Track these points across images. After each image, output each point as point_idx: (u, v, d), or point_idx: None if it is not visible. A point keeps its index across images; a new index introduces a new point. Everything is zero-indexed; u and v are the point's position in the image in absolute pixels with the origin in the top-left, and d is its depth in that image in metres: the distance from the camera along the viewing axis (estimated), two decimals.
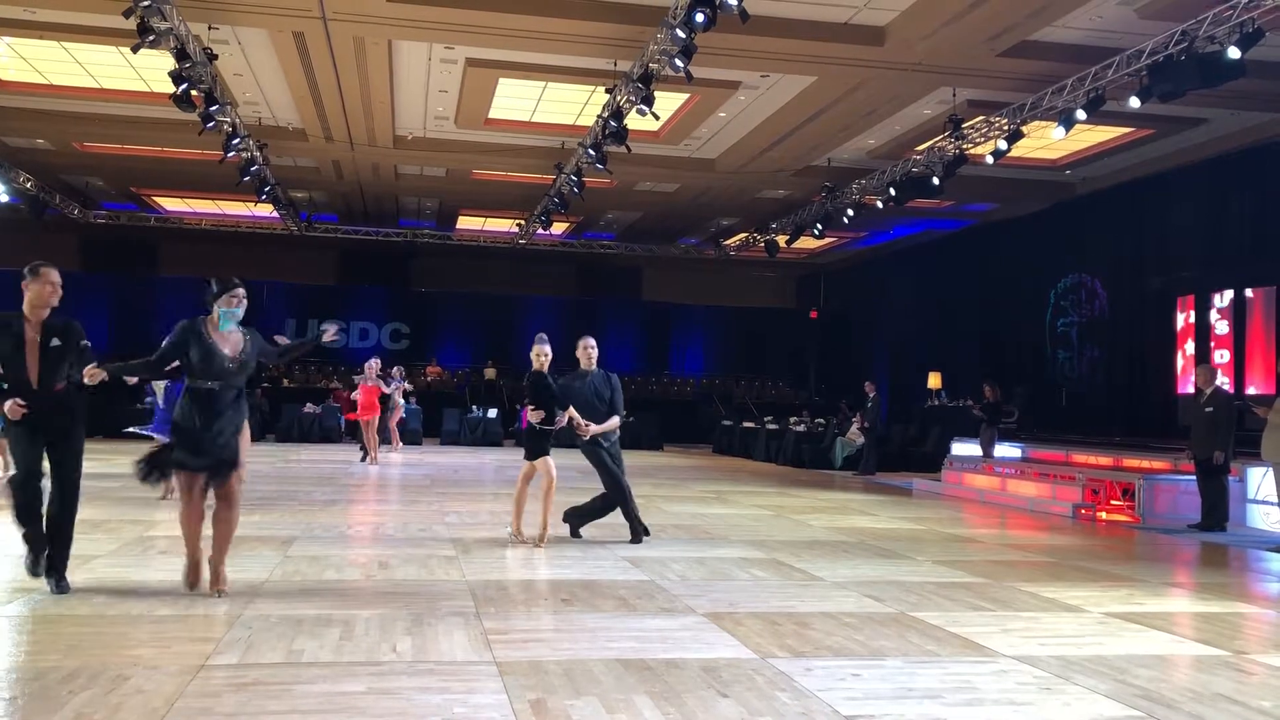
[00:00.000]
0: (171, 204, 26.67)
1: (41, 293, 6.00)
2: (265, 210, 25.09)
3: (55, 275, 6.08)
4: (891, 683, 4.70)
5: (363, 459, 18.00)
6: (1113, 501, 13.00)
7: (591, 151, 17.15)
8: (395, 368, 21.78)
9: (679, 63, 13.03)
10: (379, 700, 4.15)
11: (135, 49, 12.97)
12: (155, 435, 11.16)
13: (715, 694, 4.40)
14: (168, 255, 29.92)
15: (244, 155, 18.73)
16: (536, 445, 8.48)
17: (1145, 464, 13.47)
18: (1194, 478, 11.93)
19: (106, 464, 14.08)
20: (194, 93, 14.73)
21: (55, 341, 6.01)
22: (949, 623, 6.03)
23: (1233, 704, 4.56)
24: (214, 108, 15.40)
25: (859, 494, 14.98)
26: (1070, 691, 4.66)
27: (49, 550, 6.06)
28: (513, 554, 8.13)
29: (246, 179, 19.70)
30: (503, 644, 5.15)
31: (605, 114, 15.76)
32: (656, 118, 14.90)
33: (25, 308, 6.02)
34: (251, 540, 8.28)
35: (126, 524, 9.02)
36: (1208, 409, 11.64)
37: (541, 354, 8.50)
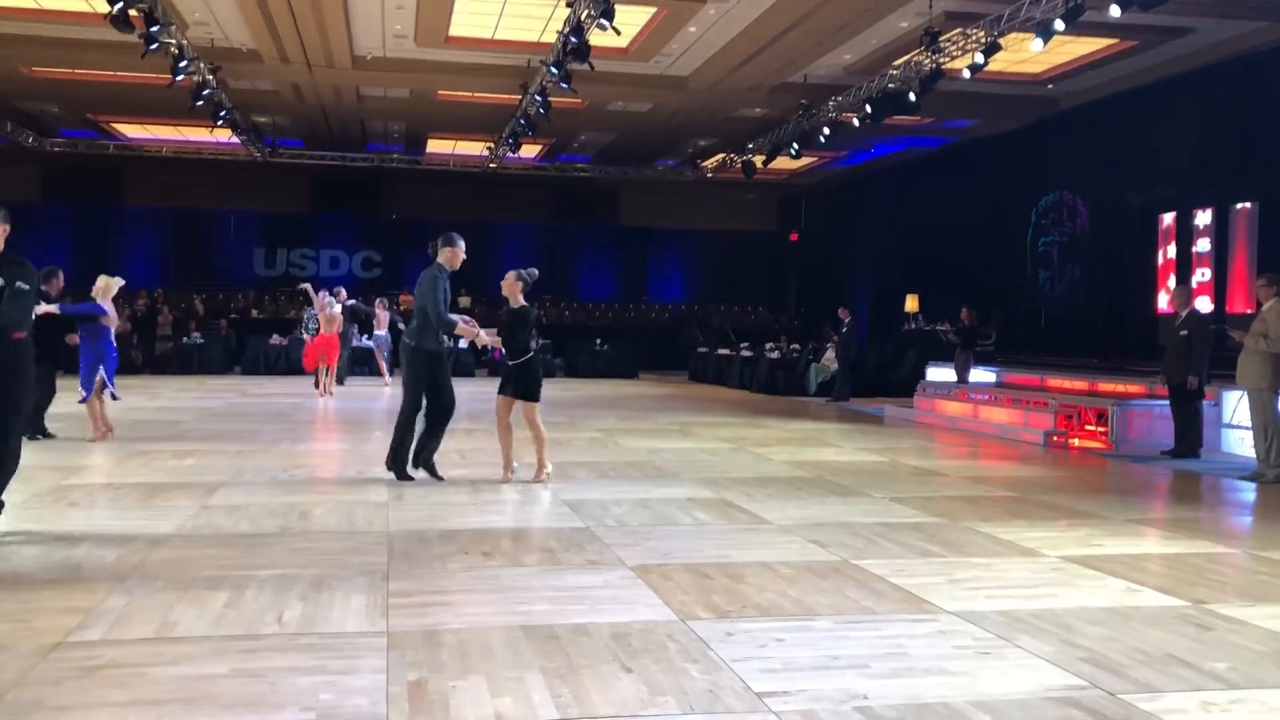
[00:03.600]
0: (132, 130, 25.81)
1: None
2: (230, 136, 24.33)
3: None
4: (816, 649, 4.31)
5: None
6: (1086, 427, 12.66)
7: (554, 70, 16.48)
8: (378, 301, 21.58)
9: None
10: (239, 685, 3.74)
11: None
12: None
13: (618, 668, 4.01)
14: (132, 184, 29.13)
15: (195, 79, 18.01)
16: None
17: (1120, 388, 13.10)
18: (1168, 402, 11.56)
19: None
20: (132, 12, 14.06)
21: None
22: (893, 572, 5.65)
23: (1185, 667, 4.18)
24: (155, 28, 14.69)
25: (828, 423, 14.63)
26: (1010, 657, 4.28)
27: None
28: (447, 498, 7.73)
29: (200, 104, 18.99)
30: (403, 609, 4.75)
31: (565, 29, 15.09)
32: (618, 32, 14.21)
33: None
34: (172, 488, 7.88)
35: (45, 471, 8.59)
36: (1182, 332, 11.22)
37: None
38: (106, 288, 10.58)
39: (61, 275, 10.64)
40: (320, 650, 4.16)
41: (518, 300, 8.46)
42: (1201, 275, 16.65)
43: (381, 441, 10.83)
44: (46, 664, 3.93)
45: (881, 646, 4.37)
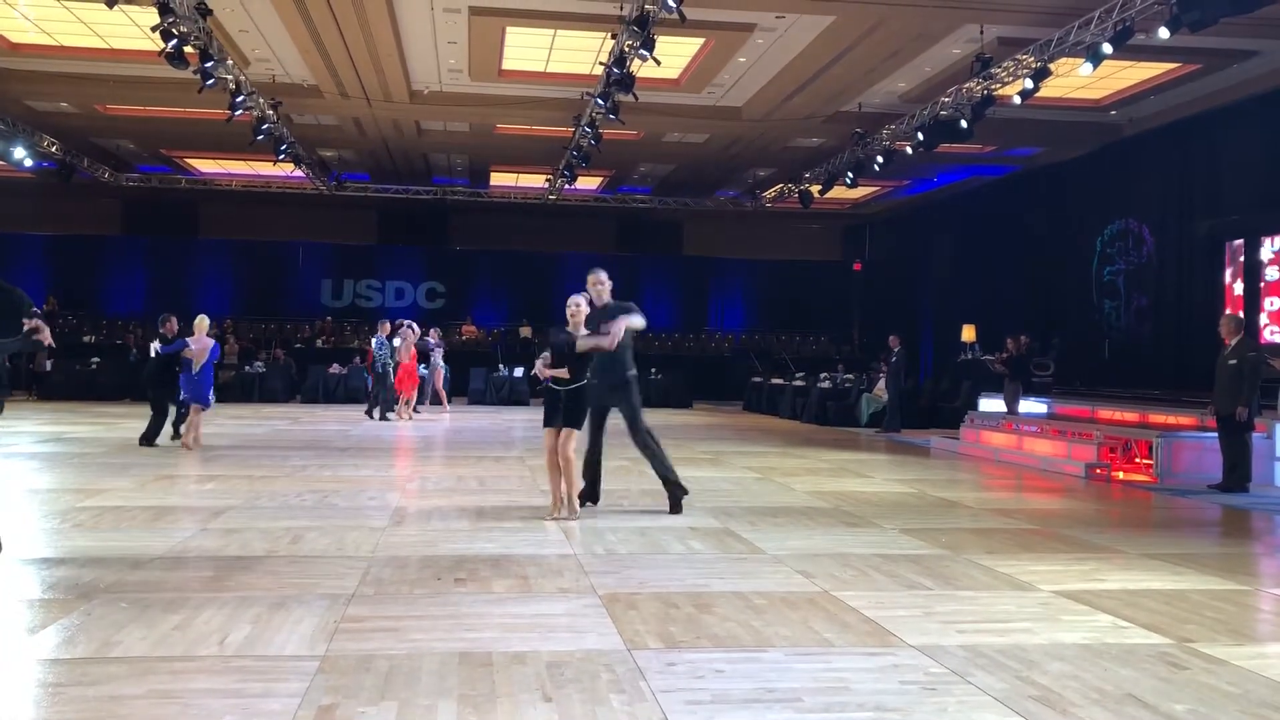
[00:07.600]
0: (205, 165, 26.54)
1: None
2: (292, 169, 24.87)
3: None
4: (754, 681, 4.17)
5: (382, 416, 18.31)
6: (1136, 460, 12.23)
7: (601, 101, 16.57)
8: (432, 330, 21.87)
9: (671, 2, 12.41)
10: (149, 706, 3.73)
11: (111, 3, 12.69)
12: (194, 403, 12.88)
13: (539, 698, 3.92)
14: (206, 217, 29.94)
15: (254, 113, 18.44)
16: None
17: (1170, 420, 12.64)
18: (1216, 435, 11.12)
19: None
20: (187, 49, 14.43)
21: None
22: (870, 604, 5.47)
23: (1141, 707, 3.96)
24: (210, 64, 15.08)
25: (868, 454, 14.33)
26: (956, 693, 4.09)
27: None
28: (447, 525, 7.71)
29: (260, 138, 19.44)
30: (349, 634, 4.71)
31: (609, 61, 15.16)
32: (658, 63, 14.22)
33: None
34: (179, 511, 7.99)
35: (68, 493, 8.77)
36: (1231, 362, 10.79)
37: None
38: (199, 324, 13.11)
39: (175, 320, 13.37)
40: (246, 674, 4.13)
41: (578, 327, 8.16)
42: (1270, 304, 16.07)
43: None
44: None
45: (823, 680, 4.22)
